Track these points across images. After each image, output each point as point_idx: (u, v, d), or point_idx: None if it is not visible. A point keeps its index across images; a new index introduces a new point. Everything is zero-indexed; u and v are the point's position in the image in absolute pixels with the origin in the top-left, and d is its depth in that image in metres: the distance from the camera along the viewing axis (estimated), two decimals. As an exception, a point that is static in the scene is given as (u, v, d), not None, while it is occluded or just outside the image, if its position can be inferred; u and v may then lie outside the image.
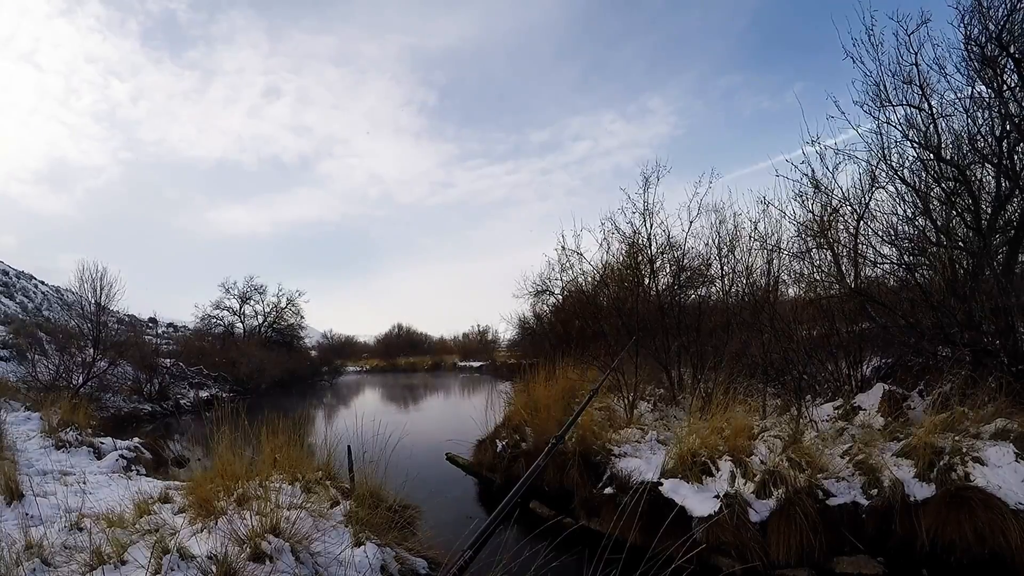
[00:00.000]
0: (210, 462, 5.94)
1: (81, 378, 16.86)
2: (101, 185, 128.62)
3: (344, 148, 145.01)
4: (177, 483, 6.97)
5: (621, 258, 12.94)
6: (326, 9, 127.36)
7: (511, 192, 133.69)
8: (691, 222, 10.92)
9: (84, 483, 7.07)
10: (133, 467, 8.77)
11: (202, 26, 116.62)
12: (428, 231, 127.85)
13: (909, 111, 7.57)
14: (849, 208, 8.40)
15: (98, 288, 18.91)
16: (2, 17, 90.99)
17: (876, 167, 8.05)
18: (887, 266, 8.32)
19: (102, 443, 9.78)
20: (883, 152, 7.84)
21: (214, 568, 3.64)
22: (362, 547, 4.53)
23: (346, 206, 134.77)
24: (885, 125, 7.75)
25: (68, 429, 10.06)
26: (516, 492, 1.83)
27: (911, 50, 7.36)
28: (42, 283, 41.39)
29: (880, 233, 8.10)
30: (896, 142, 7.81)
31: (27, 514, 5.33)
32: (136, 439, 10.67)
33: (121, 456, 8.95)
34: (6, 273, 38.55)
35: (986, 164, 7.35)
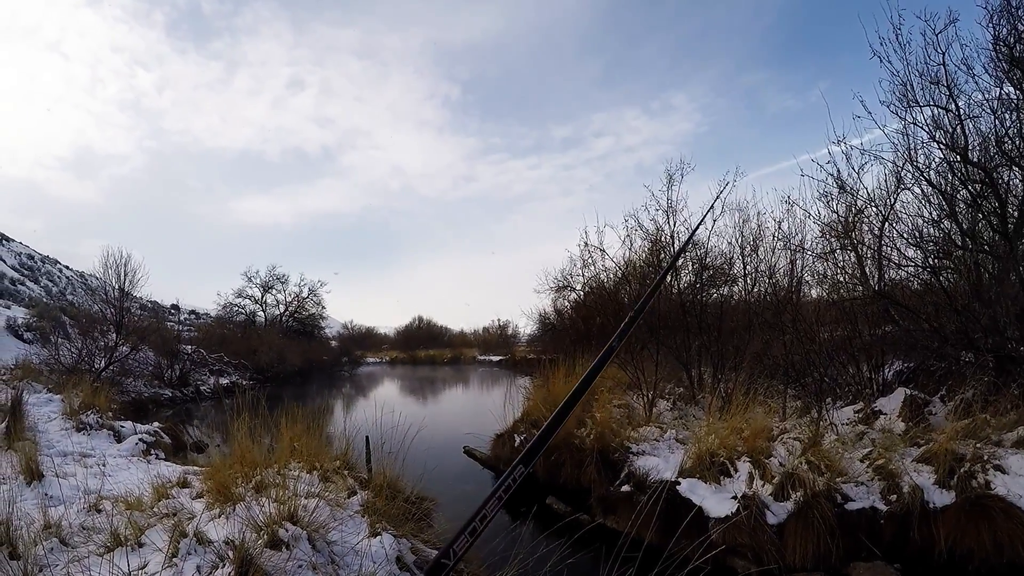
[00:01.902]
0: (229, 448, 5.97)
1: (103, 362, 16.95)
2: (126, 173, 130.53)
3: (367, 140, 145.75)
4: (196, 468, 7.01)
5: (643, 255, 12.94)
6: (349, 1, 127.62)
7: (533, 187, 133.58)
8: (714, 220, 10.89)
9: (103, 465, 7.14)
10: (152, 451, 8.80)
11: (227, 17, 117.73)
12: (450, 224, 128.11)
13: (936, 112, 7.46)
14: (874, 209, 8.33)
15: (122, 274, 19.12)
16: (29, 6, 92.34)
17: (902, 168, 7.96)
18: (911, 269, 8.22)
19: (122, 427, 9.84)
20: (909, 153, 7.76)
21: (231, 554, 3.65)
22: (378, 537, 4.52)
23: (368, 198, 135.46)
24: (912, 126, 7.65)
25: (89, 412, 10.07)
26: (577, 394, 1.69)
27: (939, 50, 7.26)
28: (66, 268, 42.05)
29: (905, 235, 8.02)
30: (923, 143, 7.70)
31: (46, 494, 5.39)
32: (156, 424, 10.70)
33: (141, 440, 8.99)
34: (31, 257, 39.24)
35: (1013, 167, 7.24)
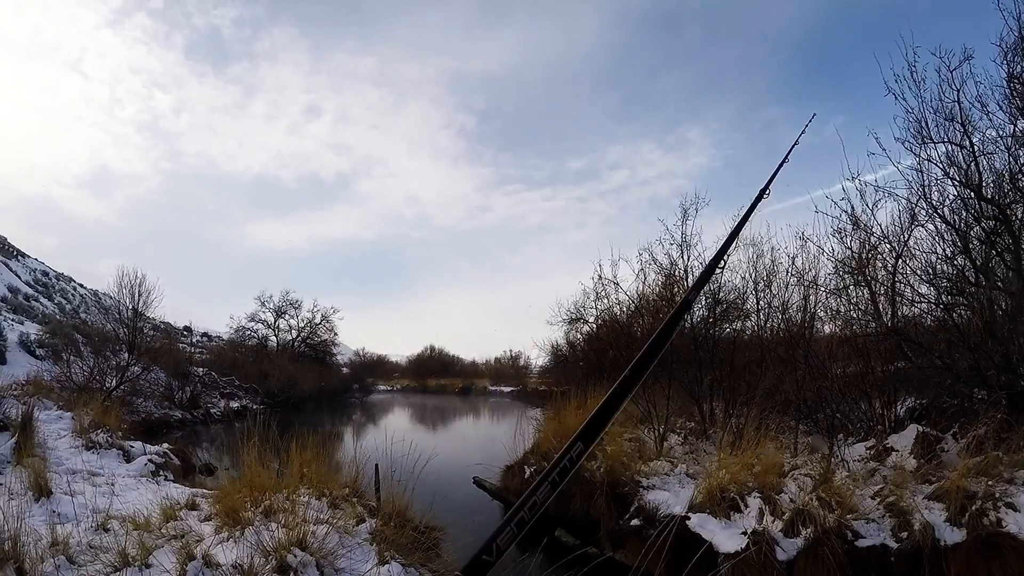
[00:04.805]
0: (238, 472, 6.02)
1: (114, 381, 17.00)
2: (142, 193, 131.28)
3: (382, 168, 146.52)
4: (204, 491, 7.04)
5: (657, 289, 12.97)
6: (368, 30, 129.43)
7: (548, 219, 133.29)
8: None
9: (112, 484, 7.15)
10: (161, 472, 8.80)
11: (245, 42, 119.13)
12: (464, 254, 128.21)
13: (950, 148, 7.48)
14: (887, 246, 8.33)
15: (136, 294, 19.22)
16: (51, 24, 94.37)
17: (916, 205, 7.97)
18: (924, 305, 8.20)
19: (132, 446, 9.86)
20: (923, 190, 7.76)
21: (238, 578, 3.70)
22: (387, 566, 4.52)
23: (383, 226, 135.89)
24: (926, 162, 7.66)
25: (99, 430, 10.07)
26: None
27: (953, 87, 7.29)
28: (81, 286, 42.18)
29: (918, 272, 8.00)
30: (937, 180, 7.70)
31: (55, 511, 5.42)
32: (165, 444, 10.73)
33: (150, 460, 9.01)
34: (46, 274, 39.49)
35: (1027, 203, 7.24)
